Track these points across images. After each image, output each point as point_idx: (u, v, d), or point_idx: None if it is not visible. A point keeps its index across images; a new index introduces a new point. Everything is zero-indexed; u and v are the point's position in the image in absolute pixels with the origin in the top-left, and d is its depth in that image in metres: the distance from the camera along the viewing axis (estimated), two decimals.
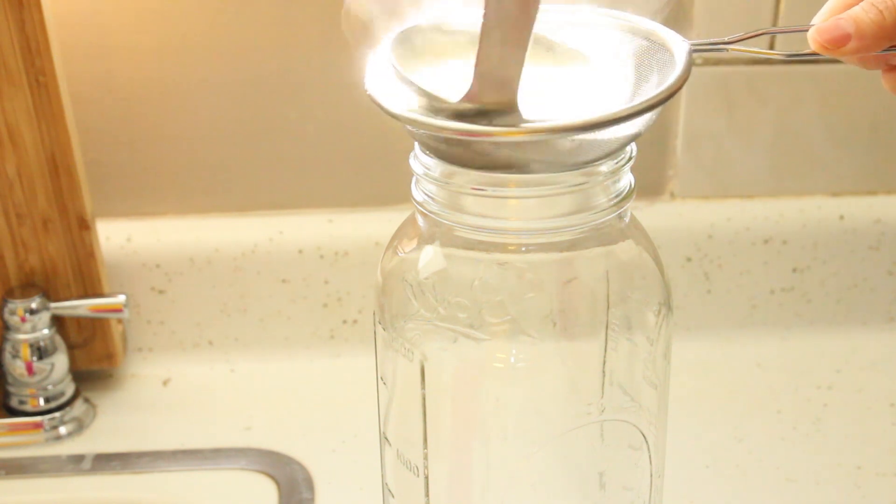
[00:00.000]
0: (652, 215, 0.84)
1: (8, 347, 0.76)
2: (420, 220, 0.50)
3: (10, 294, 0.76)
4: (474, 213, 0.46)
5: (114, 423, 0.79)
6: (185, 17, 0.78)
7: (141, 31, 0.78)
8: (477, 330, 0.48)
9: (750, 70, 0.81)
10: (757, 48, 0.46)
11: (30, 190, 0.75)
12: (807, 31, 0.44)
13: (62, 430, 0.77)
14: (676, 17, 0.48)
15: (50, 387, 0.77)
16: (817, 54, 0.44)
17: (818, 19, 0.44)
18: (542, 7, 0.45)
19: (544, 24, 0.48)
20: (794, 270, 0.85)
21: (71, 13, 0.76)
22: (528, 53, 0.43)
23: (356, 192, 0.84)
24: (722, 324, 0.86)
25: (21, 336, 0.76)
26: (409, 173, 0.49)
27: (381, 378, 0.52)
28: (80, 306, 0.77)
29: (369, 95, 0.46)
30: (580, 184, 0.46)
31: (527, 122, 0.43)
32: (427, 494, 0.51)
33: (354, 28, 0.48)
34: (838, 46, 0.42)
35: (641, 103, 0.42)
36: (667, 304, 0.51)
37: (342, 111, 0.81)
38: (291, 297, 0.83)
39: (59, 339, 0.77)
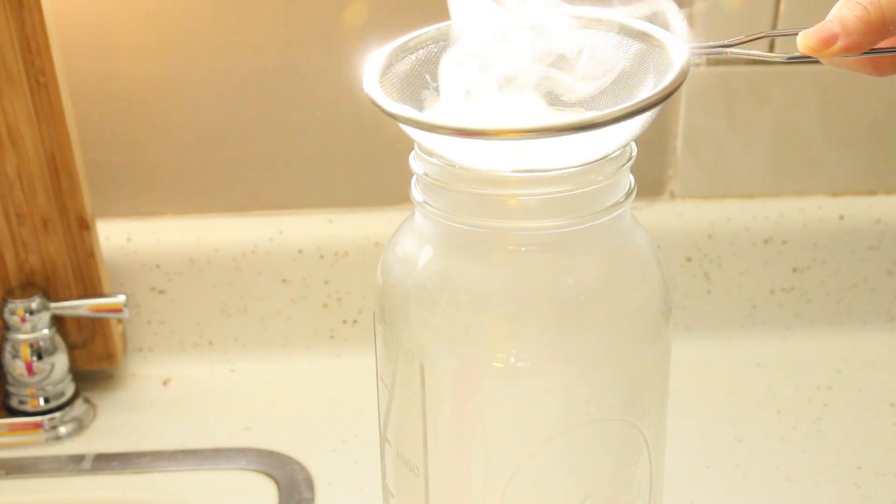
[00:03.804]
0: (652, 215, 0.84)
1: (8, 347, 0.76)
2: (420, 220, 0.50)
3: (10, 294, 0.76)
4: (474, 212, 0.46)
5: (114, 423, 0.79)
6: (185, 17, 0.78)
7: (141, 30, 0.78)
8: (477, 330, 0.48)
9: (750, 70, 0.81)
10: (756, 51, 0.46)
11: (30, 190, 0.75)
12: None
13: (62, 430, 0.77)
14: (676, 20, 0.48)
15: (50, 387, 0.77)
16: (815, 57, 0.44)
17: None
18: (544, 8, 0.46)
19: (547, 23, 0.49)
20: (794, 270, 0.85)
21: (71, 13, 0.76)
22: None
23: (356, 192, 0.84)
24: (722, 324, 0.86)
25: (21, 336, 0.76)
26: (409, 173, 0.49)
27: (381, 378, 0.52)
28: (80, 306, 0.77)
29: (367, 95, 0.46)
30: (580, 184, 0.46)
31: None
32: (427, 494, 0.51)
33: None
34: (826, 46, 0.43)
35: (636, 104, 0.42)
36: (667, 304, 0.51)
37: (342, 111, 0.81)
38: (291, 297, 0.83)
39: (59, 339, 0.77)
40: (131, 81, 0.79)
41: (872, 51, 0.44)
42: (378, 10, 0.78)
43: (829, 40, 0.42)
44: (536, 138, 0.42)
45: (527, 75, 0.48)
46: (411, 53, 0.49)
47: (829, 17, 0.44)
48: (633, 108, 0.42)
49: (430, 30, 0.49)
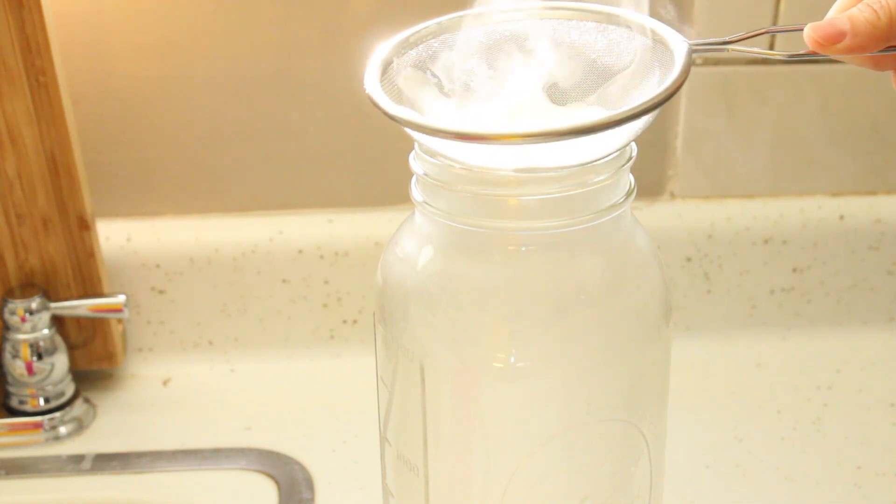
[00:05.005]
0: (652, 215, 0.84)
1: (8, 347, 0.76)
2: (420, 220, 0.50)
3: (10, 294, 0.76)
4: (474, 212, 0.46)
5: (114, 423, 0.79)
6: (185, 17, 0.78)
7: (141, 30, 0.78)
8: (477, 330, 0.48)
9: (750, 70, 0.81)
10: (757, 48, 0.47)
11: (30, 190, 0.75)
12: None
13: (62, 430, 0.77)
14: (677, 16, 0.48)
15: (50, 387, 0.77)
16: (817, 54, 0.44)
17: None
18: (543, 4, 0.46)
19: (547, 20, 0.49)
20: (794, 270, 0.85)
21: (71, 13, 0.76)
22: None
23: (356, 192, 0.84)
24: (722, 324, 0.86)
25: (21, 336, 0.76)
26: (409, 173, 0.49)
27: (381, 378, 0.52)
28: (80, 306, 0.77)
29: (368, 96, 0.46)
30: (580, 184, 0.46)
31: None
32: (427, 494, 0.51)
33: None
34: (833, 43, 0.43)
35: (637, 107, 0.42)
36: (667, 304, 0.51)
37: (342, 111, 0.81)
38: (291, 297, 0.83)
39: (59, 339, 0.77)
40: (131, 81, 0.79)
41: None
42: (378, 9, 0.78)
43: (836, 37, 0.43)
44: (538, 142, 0.42)
45: (528, 71, 0.48)
46: (412, 49, 0.49)
47: (832, 11, 0.44)
48: (636, 111, 0.42)
49: (431, 24, 0.49)
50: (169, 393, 0.82)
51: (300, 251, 0.82)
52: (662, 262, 0.51)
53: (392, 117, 0.44)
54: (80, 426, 0.78)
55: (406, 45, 0.49)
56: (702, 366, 0.83)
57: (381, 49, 0.48)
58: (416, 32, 0.49)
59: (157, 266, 0.82)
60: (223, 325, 0.84)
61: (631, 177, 0.48)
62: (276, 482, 0.72)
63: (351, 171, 0.83)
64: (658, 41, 0.47)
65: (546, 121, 0.47)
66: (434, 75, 0.49)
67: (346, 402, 0.80)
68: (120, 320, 0.81)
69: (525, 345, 0.48)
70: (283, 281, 0.83)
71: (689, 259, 0.84)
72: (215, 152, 0.82)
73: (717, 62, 0.81)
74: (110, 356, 0.81)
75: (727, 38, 0.46)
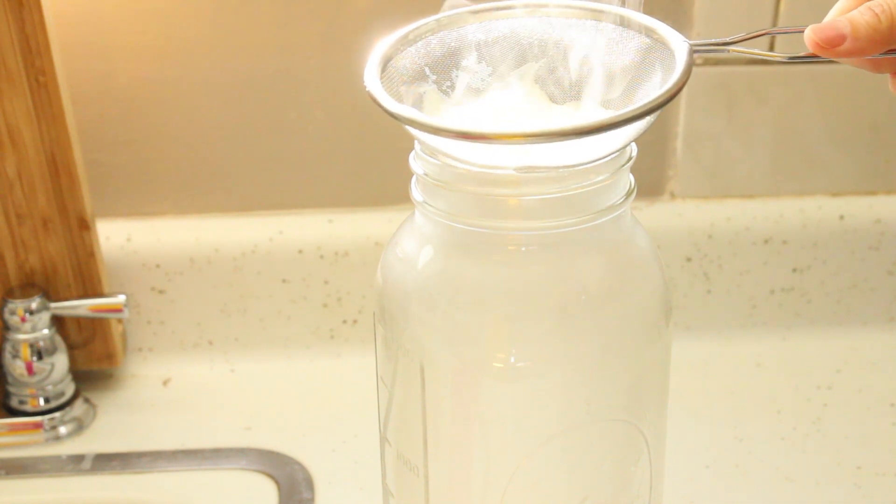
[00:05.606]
0: (652, 215, 0.84)
1: (8, 347, 0.76)
2: (420, 220, 0.50)
3: (10, 294, 0.76)
4: (474, 212, 0.46)
5: (114, 423, 0.79)
6: (185, 17, 0.78)
7: (141, 31, 0.78)
8: (477, 330, 0.48)
9: (750, 70, 0.81)
10: (758, 49, 0.47)
11: (30, 190, 0.75)
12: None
13: (62, 430, 0.77)
14: (676, 17, 0.48)
15: (50, 387, 0.77)
16: (818, 56, 0.44)
17: None
18: (544, 2, 0.46)
19: (546, 18, 0.49)
20: (794, 270, 0.85)
21: (71, 13, 0.76)
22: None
23: (356, 192, 0.84)
24: (722, 324, 0.86)
25: (21, 336, 0.76)
26: (409, 173, 0.49)
27: (381, 378, 0.52)
28: (80, 306, 0.77)
29: (369, 93, 0.46)
30: (580, 184, 0.46)
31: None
32: (427, 494, 0.51)
33: None
34: (833, 46, 0.43)
35: (640, 107, 0.42)
36: (667, 304, 0.51)
37: (342, 111, 0.81)
38: (291, 297, 0.83)
39: (59, 339, 0.77)
40: (131, 81, 0.79)
41: None
42: (377, 9, 0.78)
43: (837, 40, 0.43)
44: (540, 142, 0.42)
45: (527, 69, 0.48)
46: (410, 46, 0.49)
47: (832, 13, 0.44)
48: (638, 112, 0.42)
49: (430, 21, 0.49)
50: (169, 393, 0.82)
51: (300, 251, 0.82)
52: (662, 262, 0.51)
53: (393, 115, 0.44)
54: (80, 426, 0.78)
55: (405, 42, 0.49)
56: (702, 366, 0.83)
57: (380, 46, 0.48)
58: (415, 29, 0.49)
59: (157, 266, 0.82)
60: (223, 325, 0.84)
61: (631, 177, 0.48)
62: (276, 482, 0.72)
63: (351, 171, 0.83)
64: (659, 41, 0.47)
65: (548, 120, 0.47)
66: (433, 72, 0.49)
67: (346, 402, 0.80)
68: (120, 320, 0.81)
69: (525, 345, 0.48)
70: (283, 281, 0.83)
71: (689, 259, 0.84)
72: (215, 152, 0.82)
73: (717, 62, 0.81)
74: (110, 356, 0.81)
75: (728, 39, 0.46)
